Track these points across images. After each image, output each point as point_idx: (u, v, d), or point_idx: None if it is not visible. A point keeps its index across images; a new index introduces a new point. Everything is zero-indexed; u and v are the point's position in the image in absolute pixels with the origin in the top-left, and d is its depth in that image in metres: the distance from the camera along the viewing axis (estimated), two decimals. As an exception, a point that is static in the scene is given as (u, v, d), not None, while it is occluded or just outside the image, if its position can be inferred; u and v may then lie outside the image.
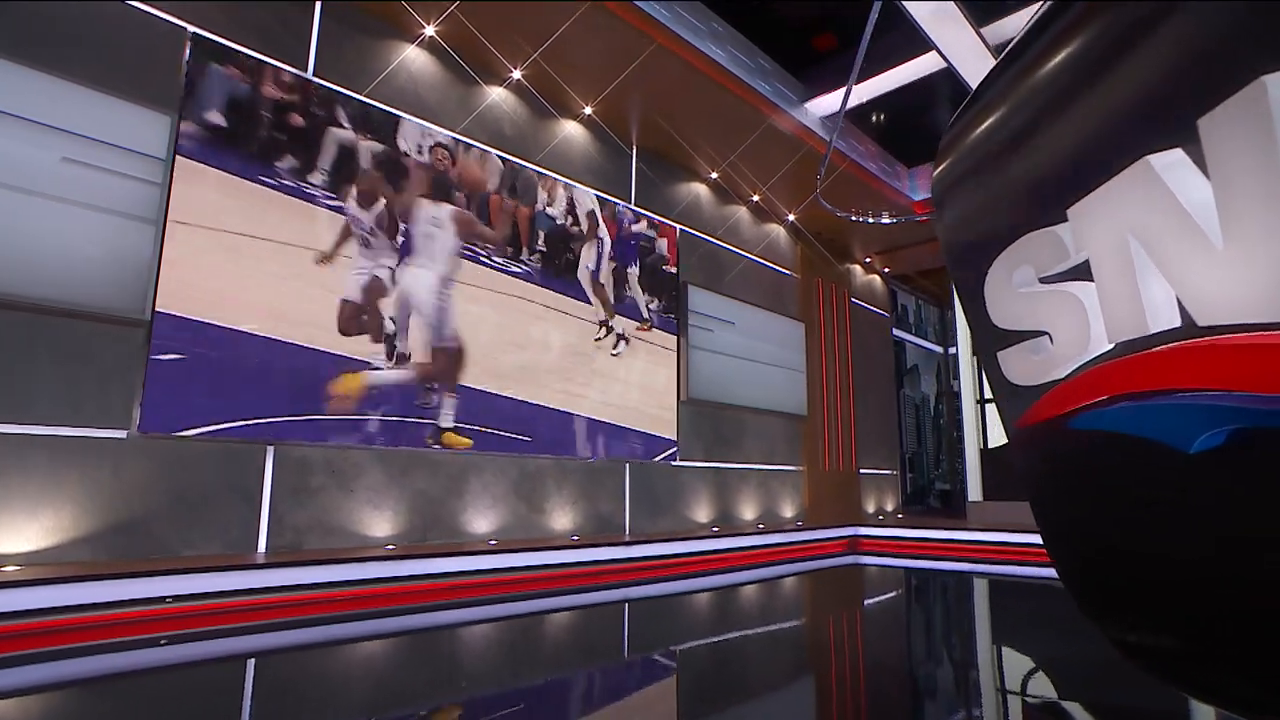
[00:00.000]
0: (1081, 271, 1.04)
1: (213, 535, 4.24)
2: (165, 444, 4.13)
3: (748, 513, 8.44)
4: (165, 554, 4.03)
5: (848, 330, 10.58)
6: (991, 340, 1.27)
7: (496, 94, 6.35)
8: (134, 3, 4.30)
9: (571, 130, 6.98)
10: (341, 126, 5.18)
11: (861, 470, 10.50)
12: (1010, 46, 1.20)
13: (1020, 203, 1.14)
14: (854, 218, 8.38)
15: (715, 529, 7.67)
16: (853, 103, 7.76)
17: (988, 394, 9.77)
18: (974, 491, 9.54)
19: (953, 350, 13.91)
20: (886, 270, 11.98)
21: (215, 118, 4.56)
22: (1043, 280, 1.12)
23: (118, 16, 4.22)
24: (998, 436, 9.57)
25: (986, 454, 9.60)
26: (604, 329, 6.94)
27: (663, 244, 7.80)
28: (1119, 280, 0.96)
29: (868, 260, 11.54)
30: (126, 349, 4.05)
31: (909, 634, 4.59)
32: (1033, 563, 7.27)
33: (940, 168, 1.43)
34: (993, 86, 1.25)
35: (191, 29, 4.51)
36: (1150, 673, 1.12)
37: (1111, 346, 1.03)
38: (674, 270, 7.87)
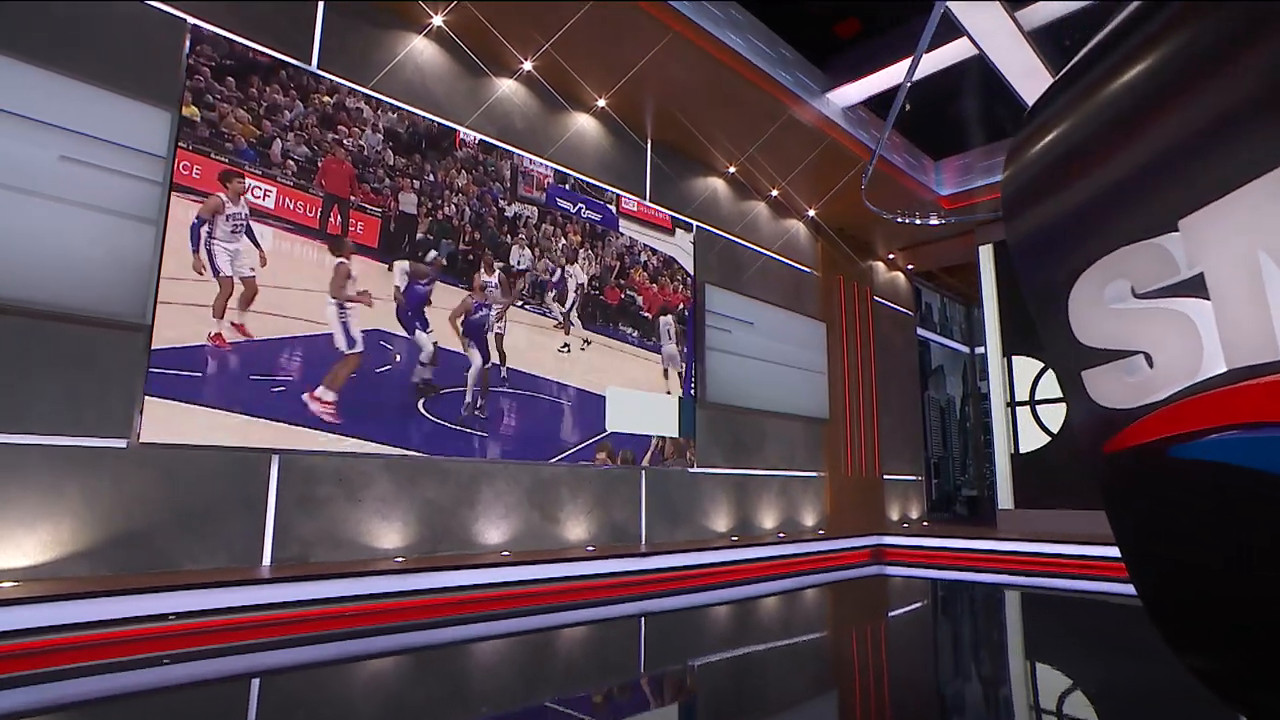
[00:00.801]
0: (1193, 287, 0.95)
1: (216, 548, 4.21)
2: (167, 453, 4.10)
3: (768, 521, 8.36)
4: (168, 568, 4.00)
5: (870, 330, 10.47)
6: (1076, 359, 1.18)
7: (506, 86, 6.28)
8: (133, -6, 4.27)
9: (584, 124, 6.92)
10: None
11: (885, 476, 10.40)
12: (1101, 36, 1.11)
13: (1117, 213, 1.06)
14: (900, 219, 8.26)
15: (734, 538, 7.59)
16: (874, 91, 7.66)
17: (1019, 396, 9.62)
18: (1004, 499, 9.40)
19: (980, 350, 13.77)
20: (910, 267, 11.85)
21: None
22: (1142, 296, 1.04)
23: (113, 8, 4.18)
24: (1029, 441, 9.42)
25: (1018, 459, 9.44)
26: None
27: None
28: (1244, 300, 0.87)
29: (890, 257, 11.42)
30: (127, 354, 4.02)
31: (937, 649, 4.51)
32: (1068, 575, 7.15)
33: (1011, 172, 1.34)
34: (1076, 83, 1.16)
35: (192, 21, 4.48)
36: (1235, 705, 1.08)
37: (1226, 370, 0.94)
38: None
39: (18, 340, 3.67)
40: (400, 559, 4.93)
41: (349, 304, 5.00)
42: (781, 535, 8.14)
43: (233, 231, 4.55)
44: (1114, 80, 1.07)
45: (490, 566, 4.94)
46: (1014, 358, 9.72)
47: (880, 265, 11.38)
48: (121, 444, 3.94)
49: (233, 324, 4.45)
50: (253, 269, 4.59)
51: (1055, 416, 9.25)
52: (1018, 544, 7.81)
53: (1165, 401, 1.04)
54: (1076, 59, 1.16)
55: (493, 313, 5.89)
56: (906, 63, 7.11)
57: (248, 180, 4.64)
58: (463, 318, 5.67)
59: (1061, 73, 1.21)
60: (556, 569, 5.33)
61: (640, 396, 6.99)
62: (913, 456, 11.30)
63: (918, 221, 8.40)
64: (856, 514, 9.51)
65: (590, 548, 6.22)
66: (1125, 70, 1.05)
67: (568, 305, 6.50)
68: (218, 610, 3.64)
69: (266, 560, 4.41)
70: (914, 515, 11.12)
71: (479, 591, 4.80)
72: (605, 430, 6.58)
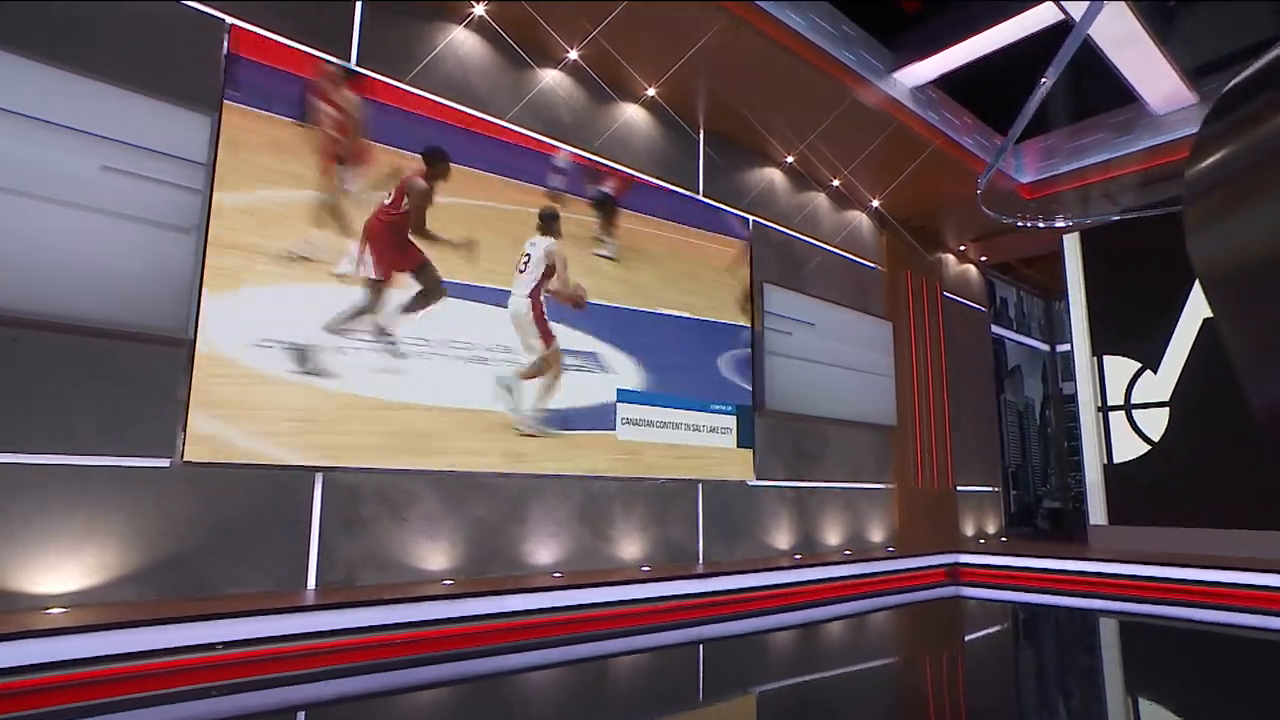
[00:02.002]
0: None
1: (260, 571, 4.22)
2: (209, 472, 4.13)
3: (832, 537, 8.13)
4: (212, 592, 4.03)
5: (940, 328, 10.14)
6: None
7: (551, 77, 6.21)
8: (172, -5, 4.31)
9: (633, 115, 6.81)
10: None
11: (959, 487, 10.03)
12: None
13: None
14: (1022, 223, 7.91)
15: (797, 556, 7.40)
16: (945, 69, 7.34)
17: (1112, 400, 9.11)
18: (1096, 514, 8.92)
19: (1063, 348, 13.19)
20: (983, 259, 11.42)
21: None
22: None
23: (148, 9, 4.22)
24: (1125, 450, 8.91)
25: (1112, 470, 8.94)
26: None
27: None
28: None
29: (962, 248, 11.01)
30: (168, 370, 4.05)
31: (1021, 681, 4.30)
32: (1172, 601, 6.72)
33: (1202, 165, 1.15)
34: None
35: (230, 20, 4.51)
36: None
37: None
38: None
39: (61, 357, 3.72)
40: (449, 581, 4.90)
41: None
42: (848, 553, 7.91)
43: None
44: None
45: (541, 591, 4.86)
46: (1105, 357, 9.21)
47: (950, 258, 11.00)
48: (164, 463, 3.98)
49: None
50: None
51: (1155, 423, 8.72)
52: (1113, 565, 7.38)
53: None
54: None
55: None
56: (982, 37, 6.80)
57: (288, 185, 4.66)
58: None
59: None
60: (610, 592, 5.24)
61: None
62: (988, 466, 10.89)
63: (1042, 225, 7.98)
64: (928, 529, 9.20)
65: (645, 567, 6.11)
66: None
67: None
68: (265, 639, 3.63)
69: (311, 583, 4.41)
70: (991, 530, 10.71)
71: (530, 617, 4.73)
72: (658, 442, 6.45)
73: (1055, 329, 13.62)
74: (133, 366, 3.95)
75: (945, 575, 8.23)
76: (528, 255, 5.78)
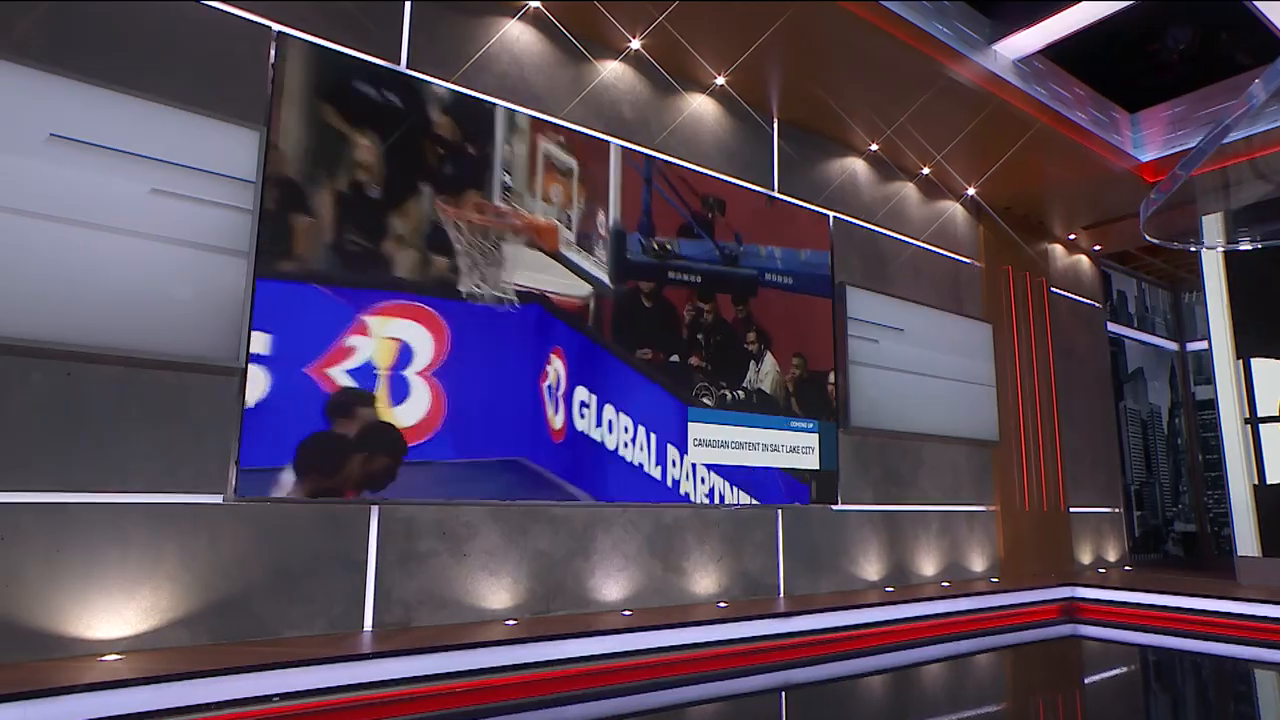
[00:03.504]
0: None
1: (315, 612, 4.25)
2: (262, 508, 4.18)
3: (928, 567, 7.78)
4: (267, 635, 4.07)
5: (1048, 328, 9.63)
6: None
7: (611, 70, 6.11)
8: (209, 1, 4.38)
9: (700, 107, 6.65)
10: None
11: (1073, 508, 9.48)
12: None
13: None
14: (1194, 248, 7.34)
15: (889, 589, 7.10)
16: (1054, 36, 6.87)
17: (1263, 410, 8.34)
18: (1245, 543, 8.18)
19: (1195, 346, 12.29)
20: (1097, 248, 10.77)
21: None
22: None
23: (190, 19, 4.30)
24: None
25: (1265, 492, 8.18)
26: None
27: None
28: None
29: (1072, 238, 10.42)
30: (220, 400, 4.12)
31: None
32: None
33: None
34: None
35: (276, 27, 4.56)
36: None
37: None
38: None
39: (112, 391, 3.81)
40: (511, 621, 4.85)
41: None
42: (946, 584, 7.55)
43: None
44: None
45: (610, 633, 4.74)
46: (1252, 360, 8.45)
47: (1058, 248, 10.42)
48: (217, 499, 4.04)
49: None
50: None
51: (1322, 438, 7.95)
52: (1271, 608, 6.74)
53: None
54: None
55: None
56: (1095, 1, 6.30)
57: (338, 201, 4.70)
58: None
59: None
60: (683, 634, 5.09)
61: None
62: (1107, 483, 10.26)
63: (1221, 248, 7.32)
64: (1037, 557, 8.74)
65: (721, 603, 5.95)
66: None
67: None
68: (321, 690, 3.63)
69: (368, 624, 4.42)
70: (1112, 558, 10.09)
71: (598, 663, 4.62)
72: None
73: (1186, 325, 12.70)
74: (184, 398, 4.02)
75: (1059, 611, 7.75)
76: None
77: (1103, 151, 8.13)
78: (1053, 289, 9.98)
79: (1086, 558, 9.67)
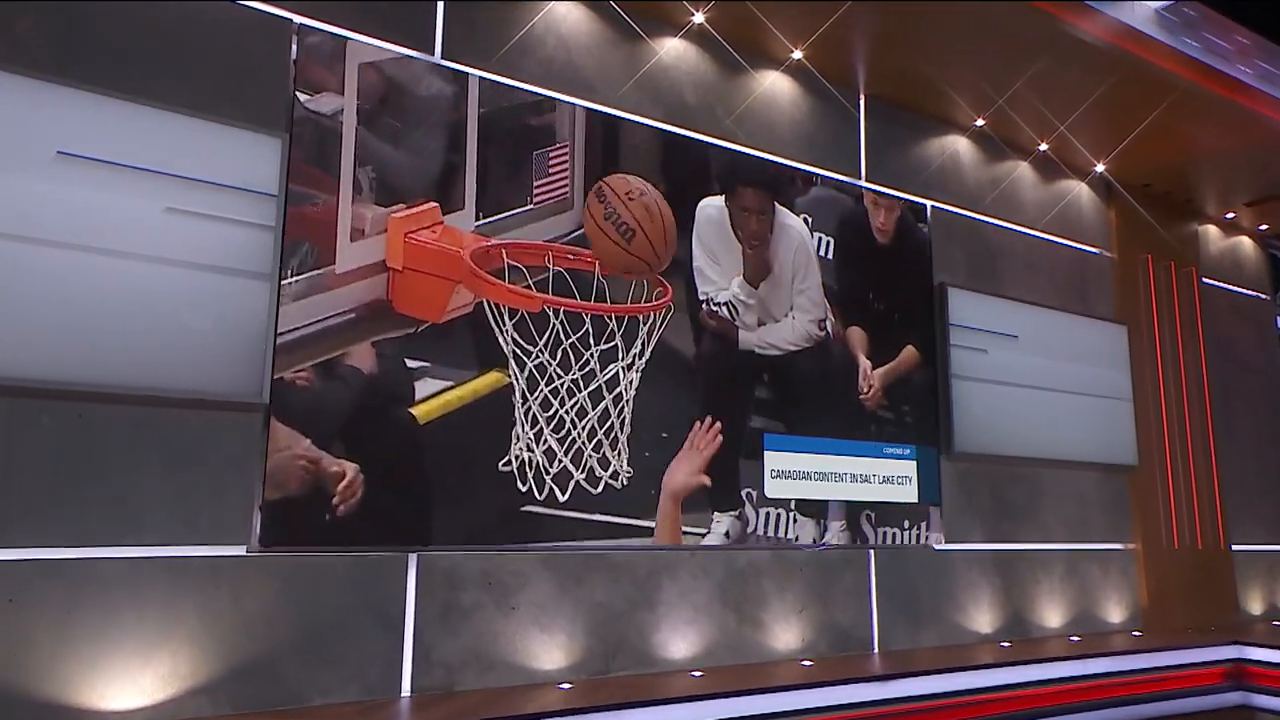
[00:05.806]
0: None
1: (348, 676, 4.20)
2: (288, 559, 4.17)
3: (1052, 617, 7.35)
4: (294, 703, 4.03)
5: (1199, 327, 9.06)
6: None
7: (671, 48, 5.95)
8: None
9: (774, 86, 6.45)
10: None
11: (1235, 545, 8.85)
12: None
13: None
14: None
15: (1005, 644, 6.72)
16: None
17: None
18: None
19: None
20: (1263, 228, 10.05)
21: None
22: None
23: (203, 15, 4.32)
24: None
25: None
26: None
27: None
28: None
29: (1229, 216, 9.76)
30: (241, 441, 4.13)
31: None
32: None
33: None
34: None
35: (298, 20, 4.56)
36: None
37: None
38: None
39: (125, 433, 3.83)
40: (566, 684, 4.73)
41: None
42: (1075, 639, 7.11)
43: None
44: None
45: (680, 701, 4.58)
46: None
47: (1212, 230, 9.78)
48: (240, 550, 4.05)
49: (356, 393, 4.48)
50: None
51: None
52: None
53: None
54: None
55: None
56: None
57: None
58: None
59: None
60: (761, 702, 4.87)
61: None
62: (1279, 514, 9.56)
63: None
64: (1192, 607, 8.17)
65: (805, 660, 5.72)
66: None
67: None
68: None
69: (405, 690, 4.35)
70: (1287, 605, 9.42)
71: (664, 737, 4.48)
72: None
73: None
74: (203, 438, 4.02)
75: (1224, 676, 7.17)
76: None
77: (1272, 111, 7.53)
78: (1205, 279, 9.39)
79: (1257, 607, 9.00)
